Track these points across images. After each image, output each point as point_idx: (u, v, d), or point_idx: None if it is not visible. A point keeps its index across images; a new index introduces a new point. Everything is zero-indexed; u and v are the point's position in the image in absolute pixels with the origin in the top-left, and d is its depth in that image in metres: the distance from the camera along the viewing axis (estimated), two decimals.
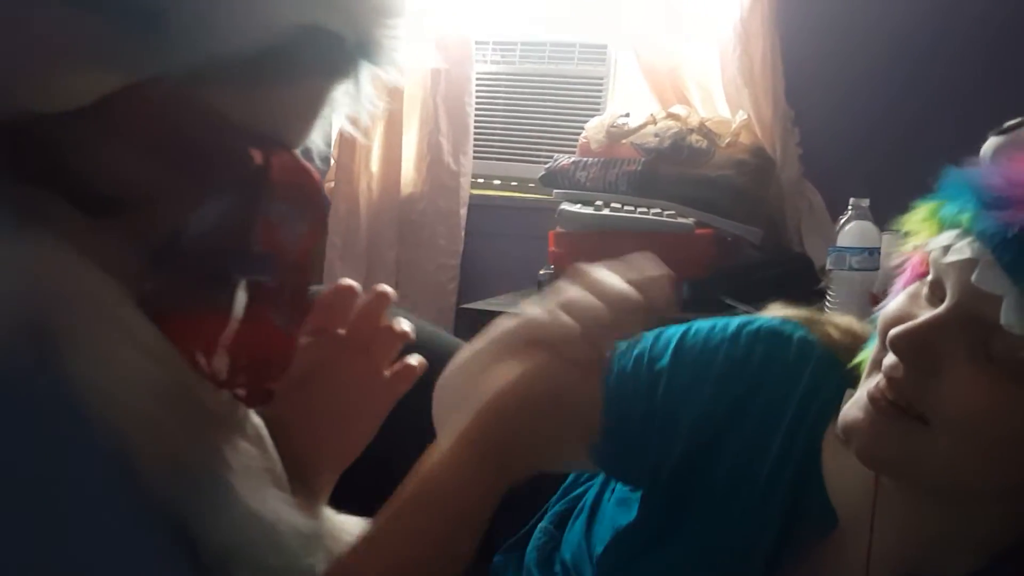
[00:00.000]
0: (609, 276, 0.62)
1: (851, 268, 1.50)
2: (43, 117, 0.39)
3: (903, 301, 0.61)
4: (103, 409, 0.39)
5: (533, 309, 0.62)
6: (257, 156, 0.45)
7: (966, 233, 0.56)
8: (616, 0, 1.95)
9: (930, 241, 0.59)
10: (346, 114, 0.51)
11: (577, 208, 1.70)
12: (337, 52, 0.45)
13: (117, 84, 0.39)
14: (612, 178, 1.74)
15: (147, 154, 0.42)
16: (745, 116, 1.84)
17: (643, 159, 1.75)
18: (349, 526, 0.61)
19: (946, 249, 0.57)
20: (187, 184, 0.44)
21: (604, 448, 0.71)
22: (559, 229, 1.72)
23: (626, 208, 1.68)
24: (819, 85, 1.91)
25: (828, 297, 1.52)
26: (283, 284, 0.48)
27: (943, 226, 0.58)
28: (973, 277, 0.54)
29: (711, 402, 0.69)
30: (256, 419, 0.54)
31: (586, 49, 2.17)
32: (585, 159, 1.80)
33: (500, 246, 2.12)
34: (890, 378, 0.59)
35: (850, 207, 1.55)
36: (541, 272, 1.72)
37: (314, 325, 0.60)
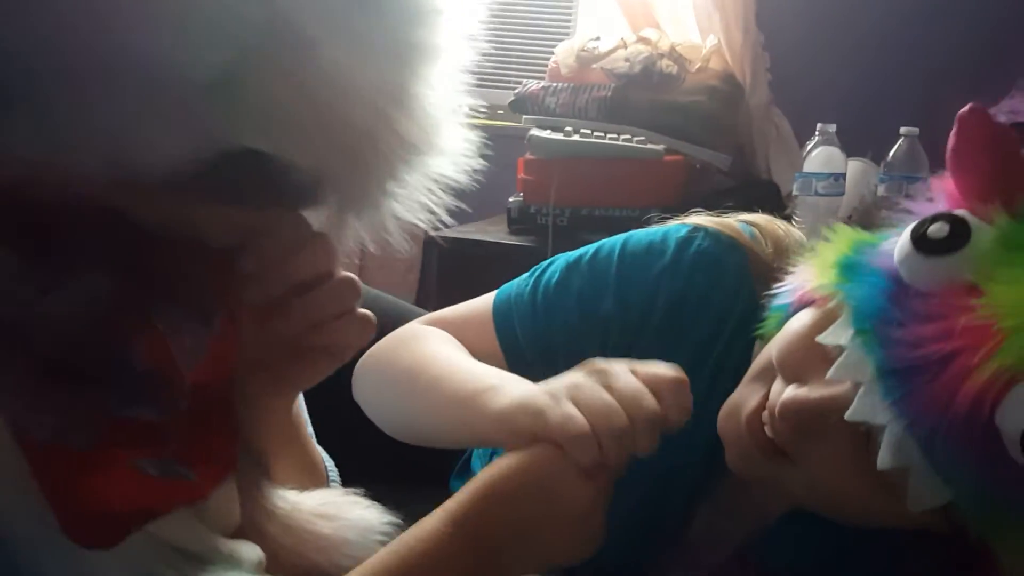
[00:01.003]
0: (628, 376, 0.56)
1: (817, 194, 1.52)
2: None
3: (803, 332, 0.58)
4: None
5: (542, 399, 0.56)
6: (139, 247, 0.36)
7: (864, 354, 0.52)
8: None
9: (832, 321, 0.55)
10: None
11: (547, 134, 1.69)
12: (287, 183, 0.37)
13: None
14: (582, 104, 1.73)
15: None
16: (716, 41, 1.82)
17: (613, 85, 1.73)
18: (306, 505, 0.55)
19: (843, 358, 0.53)
20: (30, 255, 0.35)
21: (540, 356, 0.71)
22: (529, 156, 1.71)
23: (596, 134, 1.67)
24: (789, 10, 1.90)
25: (794, 223, 1.54)
26: (168, 416, 0.36)
27: (847, 311, 0.54)
28: (879, 455, 0.51)
29: (656, 335, 0.69)
30: None
31: None
32: (555, 84, 1.78)
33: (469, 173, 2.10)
34: (773, 419, 0.57)
35: (817, 133, 1.56)
36: (510, 199, 1.72)
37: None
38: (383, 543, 0.54)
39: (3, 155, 0.33)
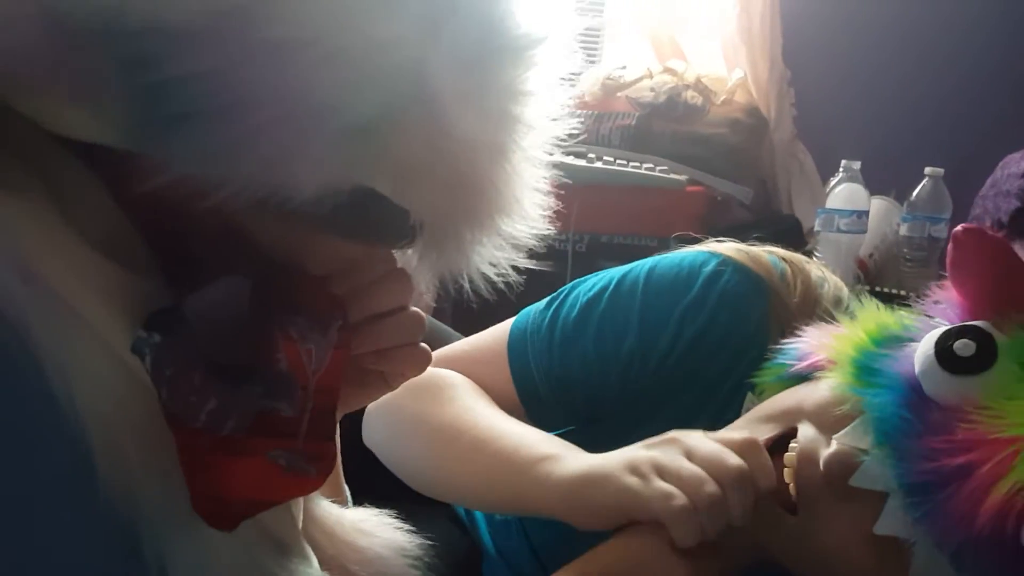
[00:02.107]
0: (706, 441, 0.55)
1: (839, 230, 1.51)
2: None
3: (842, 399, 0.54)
4: (71, 415, 0.35)
5: (622, 474, 0.54)
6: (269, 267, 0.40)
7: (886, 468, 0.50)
8: None
9: (854, 418, 0.53)
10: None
11: (569, 160, 1.69)
12: (395, 225, 0.42)
13: (112, 142, 0.36)
14: (606, 131, 1.73)
15: (139, 213, 0.39)
16: (742, 74, 1.83)
17: (637, 114, 1.74)
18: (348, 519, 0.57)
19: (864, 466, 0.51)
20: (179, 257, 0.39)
21: (560, 381, 0.70)
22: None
23: (618, 162, 1.67)
24: (816, 46, 1.90)
25: (815, 259, 1.53)
26: (300, 414, 0.40)
27: (866, 418, 0.52)
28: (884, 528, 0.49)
29: (672, 370, 0.68)
30: None
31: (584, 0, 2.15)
32: (579, 111, 1.79)
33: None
34: (801, 472, 0.54)
35: (841, 169, 1.56)
36: None
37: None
38: (413, 565, 0.55)
39: (163, 161, 0.35)
